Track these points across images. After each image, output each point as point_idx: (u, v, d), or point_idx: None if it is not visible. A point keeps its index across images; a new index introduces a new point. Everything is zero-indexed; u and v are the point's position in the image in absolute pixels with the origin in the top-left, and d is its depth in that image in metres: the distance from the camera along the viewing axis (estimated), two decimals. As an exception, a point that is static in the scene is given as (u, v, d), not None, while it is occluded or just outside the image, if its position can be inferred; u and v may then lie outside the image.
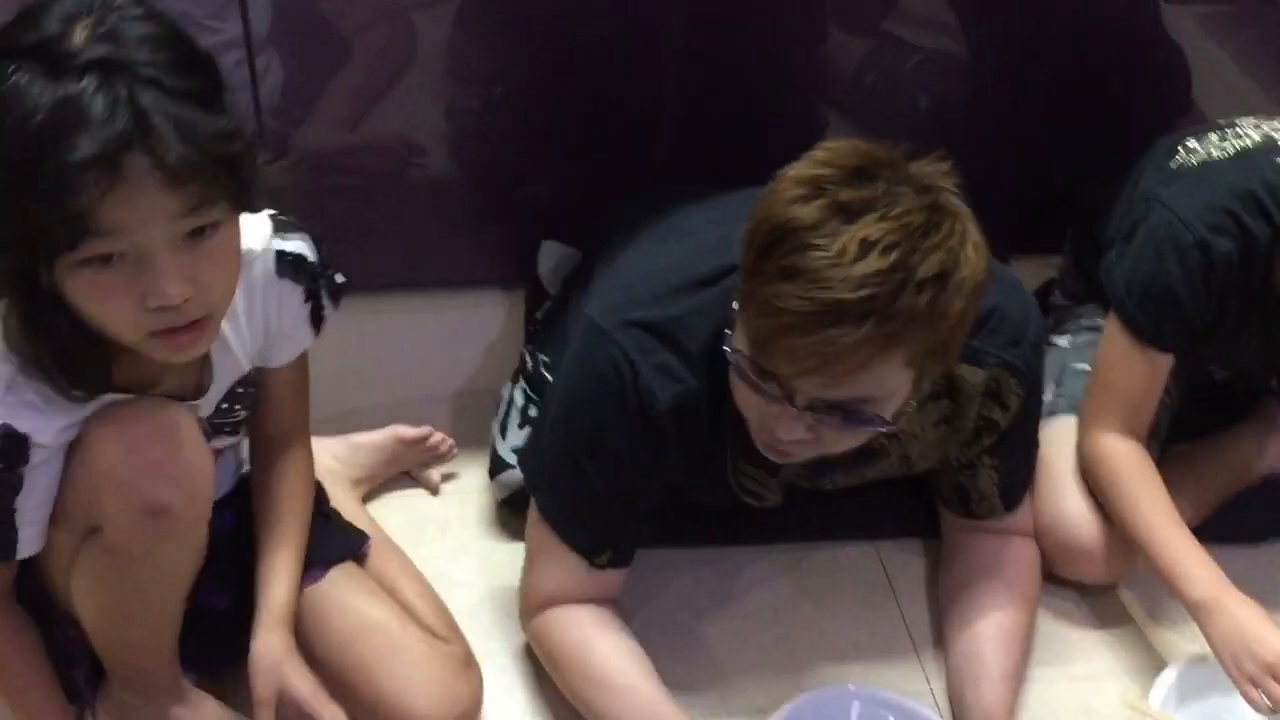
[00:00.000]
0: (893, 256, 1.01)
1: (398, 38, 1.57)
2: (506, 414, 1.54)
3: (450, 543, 1.54)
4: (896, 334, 1.03)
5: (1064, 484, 1.49)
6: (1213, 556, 1.36)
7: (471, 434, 1.61)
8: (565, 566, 1.30)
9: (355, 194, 1.67)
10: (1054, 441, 1.50)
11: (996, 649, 1.35)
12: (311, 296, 1.20)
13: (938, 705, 1.39)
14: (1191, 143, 1.44)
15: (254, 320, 1.17)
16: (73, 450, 1.08)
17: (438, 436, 1.59)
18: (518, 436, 1.51)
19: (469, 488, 1.60)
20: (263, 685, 1.17)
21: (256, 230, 1.14)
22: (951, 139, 1.77)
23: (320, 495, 1.36)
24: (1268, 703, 1.24)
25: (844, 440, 1.16)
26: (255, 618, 1.21)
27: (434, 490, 1.60)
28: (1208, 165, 1.40)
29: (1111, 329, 1.43)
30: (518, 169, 1.69)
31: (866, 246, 1.01)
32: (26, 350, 1.00)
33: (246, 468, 1.34)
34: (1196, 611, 1.31)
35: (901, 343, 1.04)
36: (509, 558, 1.50)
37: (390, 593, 1.36)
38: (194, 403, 1.14)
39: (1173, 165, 1.44)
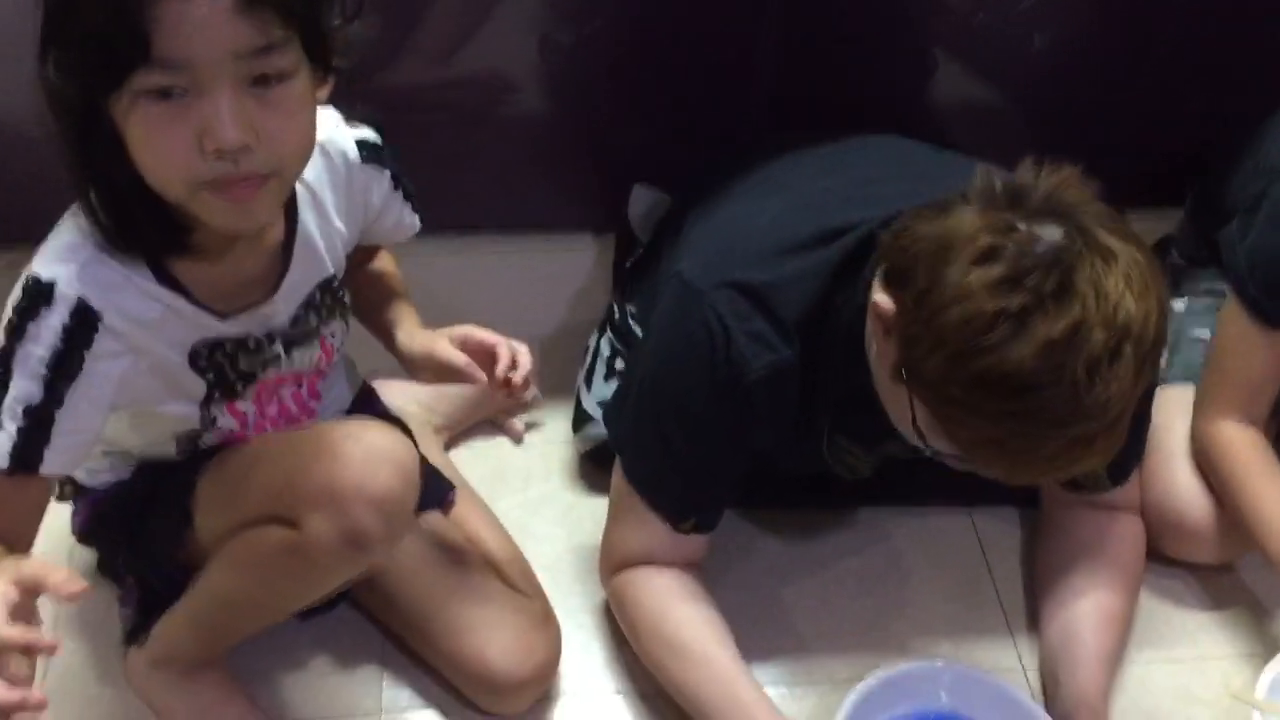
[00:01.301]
0: (1123, 366, 0.97)
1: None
2: (592, 365, 1.50)
3: (532, 494, 1.51)
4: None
5: (1175, 458, 1.42)
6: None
7: (556, 382, 1.58)
8: (649, 530, 1.27)
9: (444, 131, 1.63)
10: (1166, 412, 1.42)
11: (1094, 630, 1.29)
12: (398, 179, 1.18)
13: (1029, 684, 1.34)
14: None
15: (343, 212, 1.14)
16: (287, 441, 1.10)
17: (505, 349, 1.55)
18: (603, 389, 1.47)
19: (552, 438, 1.57)
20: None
21: (326, 120, 1.08)
22: (1066, 82, 1.70)
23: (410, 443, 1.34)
24: None
25: None
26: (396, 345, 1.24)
27: (517, 439, 1.57)
28: None
29: (1231, 309, 1.35)
30: (610, 109, 1.64)
31: (1093, 368, 0.96)
32: (82, 200, 0.96)
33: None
34: None
35: None
36: (591, 512, 1.47)
37: (473, 544, 1.34)
38: (267, 309, 1.09)
39: None
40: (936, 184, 1.20)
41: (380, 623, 1.34)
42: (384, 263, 1.32)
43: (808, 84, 1.61)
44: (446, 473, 1.40)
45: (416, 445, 1.20)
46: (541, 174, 1.68)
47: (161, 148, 0.89)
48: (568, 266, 1.74)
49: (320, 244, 1.12)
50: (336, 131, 1.11)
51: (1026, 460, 1.02)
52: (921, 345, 1.01)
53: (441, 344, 1.18)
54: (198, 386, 1.10)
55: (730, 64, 1.59)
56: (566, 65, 1.60)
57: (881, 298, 1.06)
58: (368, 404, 1.35)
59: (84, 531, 1.26)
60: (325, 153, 1.09)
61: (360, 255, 1.25)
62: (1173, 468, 1.41)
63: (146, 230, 0.97)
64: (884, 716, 1.26)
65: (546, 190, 1.71)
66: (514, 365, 1.18)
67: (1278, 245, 1.29)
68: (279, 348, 1.13)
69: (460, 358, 1.17)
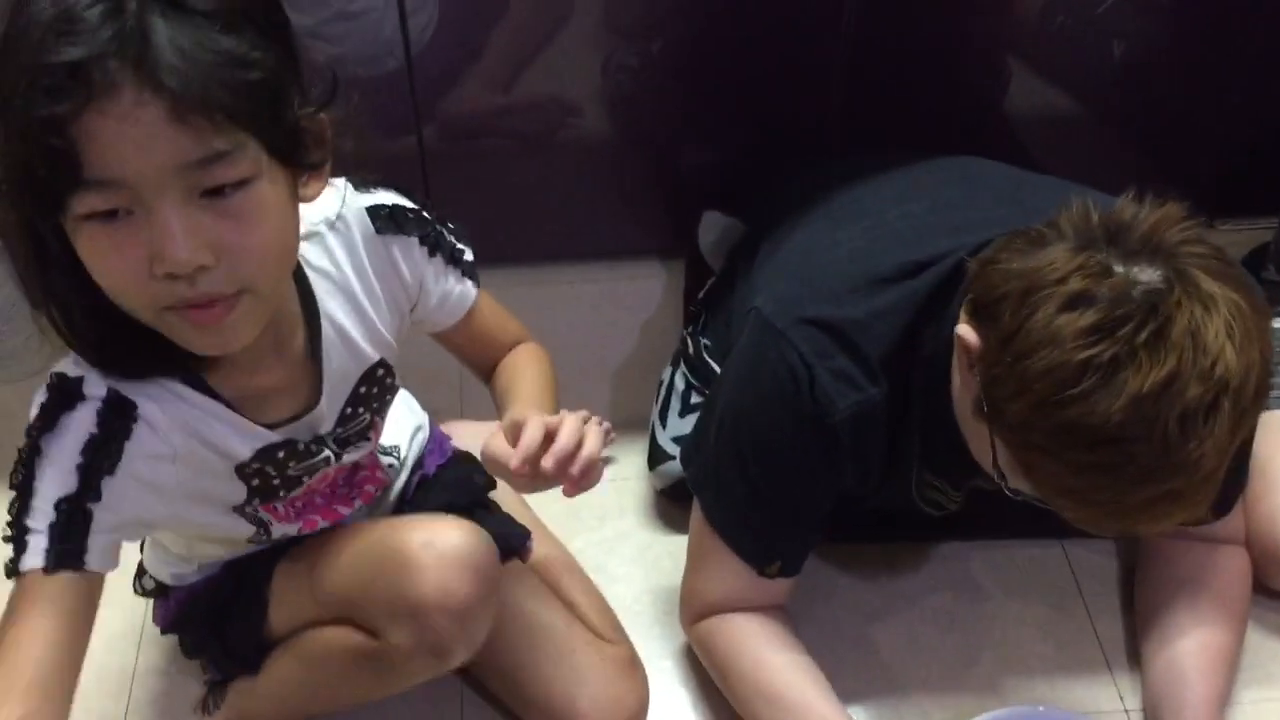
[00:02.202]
0: (1219, 421, 0.92)
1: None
2: (667, 400, 1.47)
3: (608, 533, 1.48)
4: None
5: (1278, 487, 1.35)
6: None
7: (630, 416, 1.54)
8: (732, 573, 1.23)
9: (507, 158, 1.61)
10: (1270, 439, 1.36)
11: (1200, 670, 1.24)
12: (431, 243, 1.08)
13: (1132, 727, 1.30)
14: None
15: (374, 294, 1.05)
16: (363, 542, 1.09)
17: (596, 419, 1.52)
18: (678, 425, 1.44)
19: (627, 474, 1.54)
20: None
21: (332, 196, 0.99)
22: (1150, 90, 1.64)
23: (482, 488, 1.31)
24: None
25: None
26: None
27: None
28: None
29: None
30: (677, 132, 1.61)
31: (1186, 423, 0.91)
32: (50, 323, 0.88)
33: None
34: None
35: None
36: (669, 551, 1.45)
37: (554, 590, 1.32)
38: (309, 418, 1.04)
39: None
40: (1023, 208, 1.16)
41: (462, 668, 1.31)
42: (522, 358, 1.23)
43: (881, 102, 1.56)
44: (521, 513, 1.38)
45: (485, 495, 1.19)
46: (607, 200, 1.65)
47: (112, 272, 0.81)
48: (637, 295, 1.70)
49: (355, 334, 1.04)
50: (346, 204, 1.02)
51: (1110, 512, 0.97)
52: (1005, 388, 0.97)
53: (495, 441, 1.04)
54: (237, 492, 1.04)
55: (802, 83, 1.54)
56: (631, 88, 1.56)
57: (966, 330, 1.02)
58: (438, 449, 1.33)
59: (167, 628, 1.25)
60: (337, 230, 1.01)
61: (472, 350, 1.21)
62: (1276, 497, 1.35)
63: (134, 349, 0.89)
64: (986, 761, 1.22)
65: (613, 216, 1.67)
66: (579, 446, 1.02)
67: None
68: (329, 450, 1.07)
69: (504, 452, 1.02)
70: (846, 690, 1.23)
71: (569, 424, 1.01)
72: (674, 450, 1.43)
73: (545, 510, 1.45)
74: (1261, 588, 1.35)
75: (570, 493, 1.02)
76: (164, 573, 1.20)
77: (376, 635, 1.08)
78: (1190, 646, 1.25)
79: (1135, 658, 1.34)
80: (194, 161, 0.77)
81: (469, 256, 1.14)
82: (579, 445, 1.00)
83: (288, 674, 1.15)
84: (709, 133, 1.60)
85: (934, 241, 1.14)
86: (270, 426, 1.01)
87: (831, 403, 1.11)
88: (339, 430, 1.08)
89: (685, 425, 1.42)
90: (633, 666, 1.29)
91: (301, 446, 1.04)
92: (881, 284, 1.13)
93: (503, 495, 1.39)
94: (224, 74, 0.76)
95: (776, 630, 1.24)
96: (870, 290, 1.13)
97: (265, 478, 1.04)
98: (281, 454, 1.03)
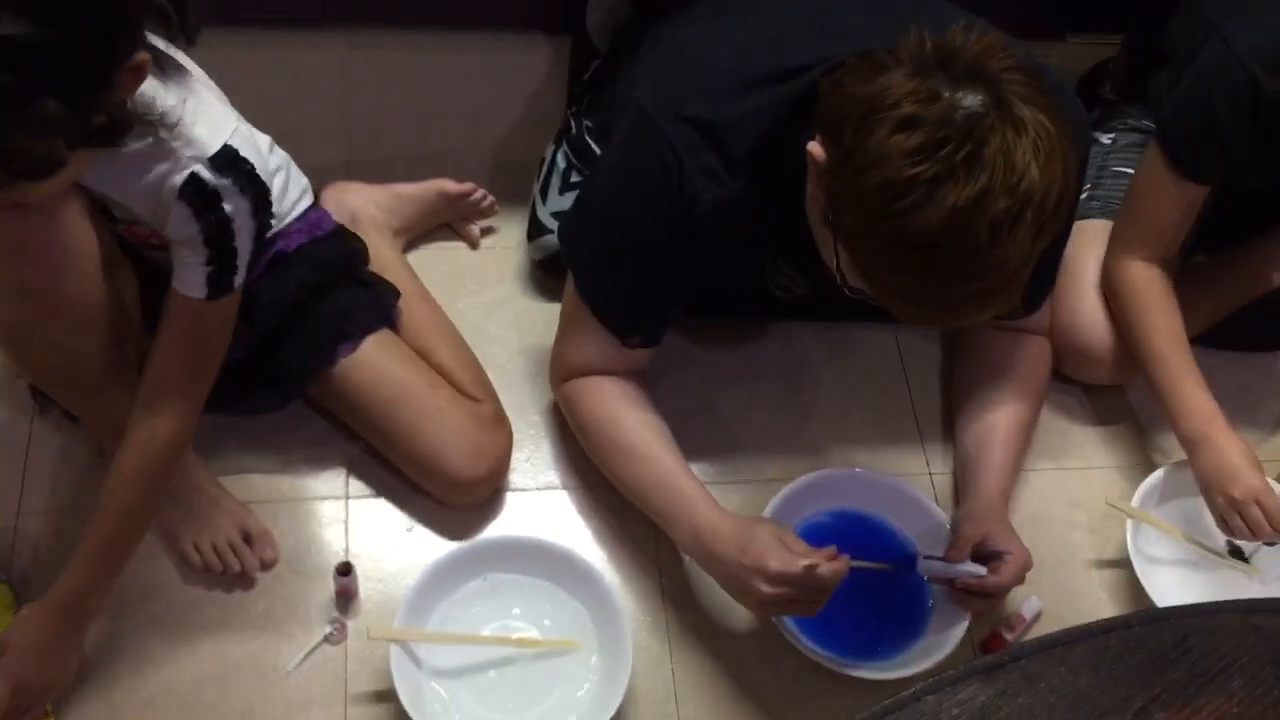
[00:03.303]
0: (1023, 229, 1.03)
1: None
2: (548, 177, 1.55)
3: (487, 298, 1.59)
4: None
5: (1084, 288, 1.53)
6: (1220, 362, 1.43)
7: (511, 189, 1.63)
8: (597, 342, 1.35)
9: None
10: (1082, 244, 1.53)
11: (1002, 440, 1.43)
12: (211, 250, 1.12)
13: (934, 488, 1.50)
14: None
15: (136, 197, 1.10)
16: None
17: (480, 193, 1.61)
18: (558, 201, 1.53)
19: (507, 243, 1.64)
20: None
21: (210, 132, 1.07)
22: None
23: (355, 260, 1.40)
24: (1240, 529, 1.34)
25: None
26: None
27: (474, 245, 1.64)
28: None
29: (1152, 155, 1.43)
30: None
31: (994, 231, 1.02)
32: None
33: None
34: (1186, 445, 1.39)
35: None
36: (543, 316, 1.56)
37: (426, 352, 1.43)
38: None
39: None
40: (895, 16, 1.24)
41: (343, 424, 1.44)
42: (128, 467, 1.20)
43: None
44: (402, 275, 1.48)
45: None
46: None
47: None
48: (522, 68, 1.76)
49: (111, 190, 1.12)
50: (195, 150, 1.06)
51: (932, 307, 1.10)
52: (845, 201, 1.08)
53: None
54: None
55: None
56: None
57: (815, 147, 1.12)
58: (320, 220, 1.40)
59: None
60: (172, 141, 1.05)
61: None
62: (1081, 296, 1.53)
63: None
64: (807, 512, 1.42)
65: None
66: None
67: (1200, 102, 1.36)
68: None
69: None
70: (691, 447, 1.37)
71: None
72: (553, 225, 1.53)
73: (430, 274, 1.55)
74: (1056, 373, 1.54)
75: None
76: None
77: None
78: (997, 421, 1.44)
79: (945, 431, 1.54)
80: None
81: (232, 280, 1.15)
82: None
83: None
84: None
85: (807, 47, 1.22)
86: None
87: (697, 194, 1.21)
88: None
89: (564, 202, 1.52)
90: (496, 422, 1.42)
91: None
92: (754, 87, 1.21)
93: (385, 254, 1.49)
94: None
95: (633, 393, 1.37)
96: (742, 92, 1.21)
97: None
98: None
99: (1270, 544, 1.36)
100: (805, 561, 1.18)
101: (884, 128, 1.03)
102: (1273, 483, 1.36)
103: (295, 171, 1.36)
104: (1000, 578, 1.30)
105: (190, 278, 1.13)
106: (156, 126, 1.01)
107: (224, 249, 1.12)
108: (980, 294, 1.07)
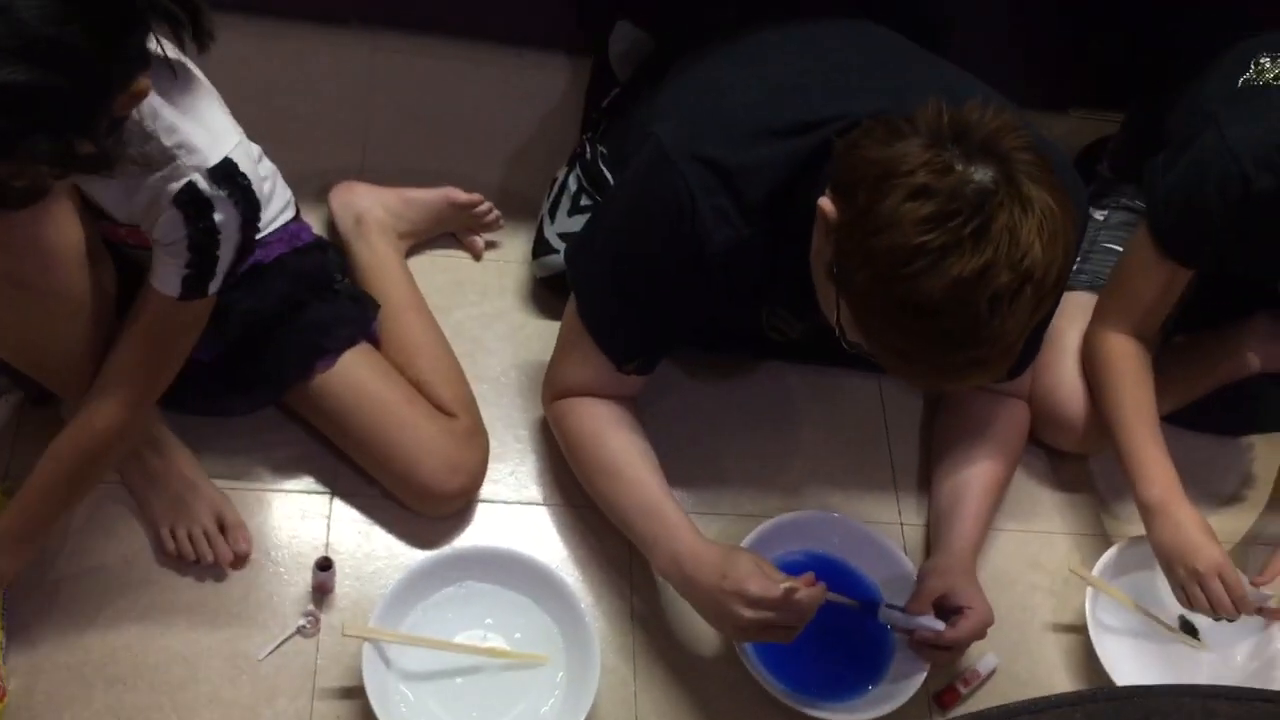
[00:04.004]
0: (1022, 304, 1.07)
1: None
2: (558, 197, 1.58)
3: (486, 309, 1.61)
4: None
5: (1065, 357, 1.58)
6: (1186, 442, 1.48)
7: (520, 205, 1.66)
8: (593, 365, 1.38)
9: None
10: (1067, 315, 1.57)
11: (976, 496, 1.47)
12: (194, 255, 1.14)
13: (904, 538, 1.53)
14: (1265, 60, 1.43)
15: (129, 196, 1.12)
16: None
17: (486, 205, 1.64)
18: (566, 223, 1.56)
19: (510, 258, 1.66)
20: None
21: (212, 142, 1.10)
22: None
23: (332, 272, 1.42)
24: (1200, 602, 1.38)
25: None
26: None
27: (477, 256, 1.66)
28: (1273, 90, 1.40)
29: (1142, 234, 1.47)
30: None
31: (994, 304, 1.06)
32: None
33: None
34: (1145, 512, 1.43)
35: None
36: (540, 333, 1.59)
37: (407, 363, 1.45)
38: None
39: (1240, 81, 1.43)
40: (908, 82, 1.29)
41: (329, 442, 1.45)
42: (67, 441, 1.24)
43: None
44: (401, 279, 1.52)
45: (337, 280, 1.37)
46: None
47: None
48: (540, 86, 1.79)
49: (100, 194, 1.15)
50: (195, 160, 1.09)
51: (927, 370, 1.14)
52: (853, 259, 1.11)
53: None
54: None
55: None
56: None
57: (826, 202, 1.15)
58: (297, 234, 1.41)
59: None
60: (174, 150, 1.07)
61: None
62: (1062, 366, 1.58)
63: None
64: (780, 550, 1.45)
65: (527, 1, 1.73)
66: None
67: (1192, 189, 1.40)
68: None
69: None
70: (673, 476, 1.39)
71: None
72: (559, 245, 1.55)
73: (432, 281, 1.57)
74: (1034, 439, 1.59)
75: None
76: None
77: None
78: (971, 478, 1.48)
79: (919, 483, 1.58)
80: None
81: (207, 285, 1.17)
82: None
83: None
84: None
85: (826, 102, 1.25)
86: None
87: (709, 234, 1.24)
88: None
89: (572, 224, 1.54)
90: (471, 438, 1.44)
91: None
92: (771, 136, 1.24)
93: (387, 257, 1.52)
94: None
95: (623, 416, 1.40)
96: (760, 140, 1.24)
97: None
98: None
99: (1230, 620, 1.40)
100: (785, 584, 1.22)
101: (897, 194, 1.06)
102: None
103: (281, 184, 1.38)
104: (958, 633, 1.34)
105: (167, 276, 1.16)
106: (147, 153, 1.04)
107: (206, 256, 1.14)
108: (975, 361, 1.11)
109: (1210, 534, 1.39)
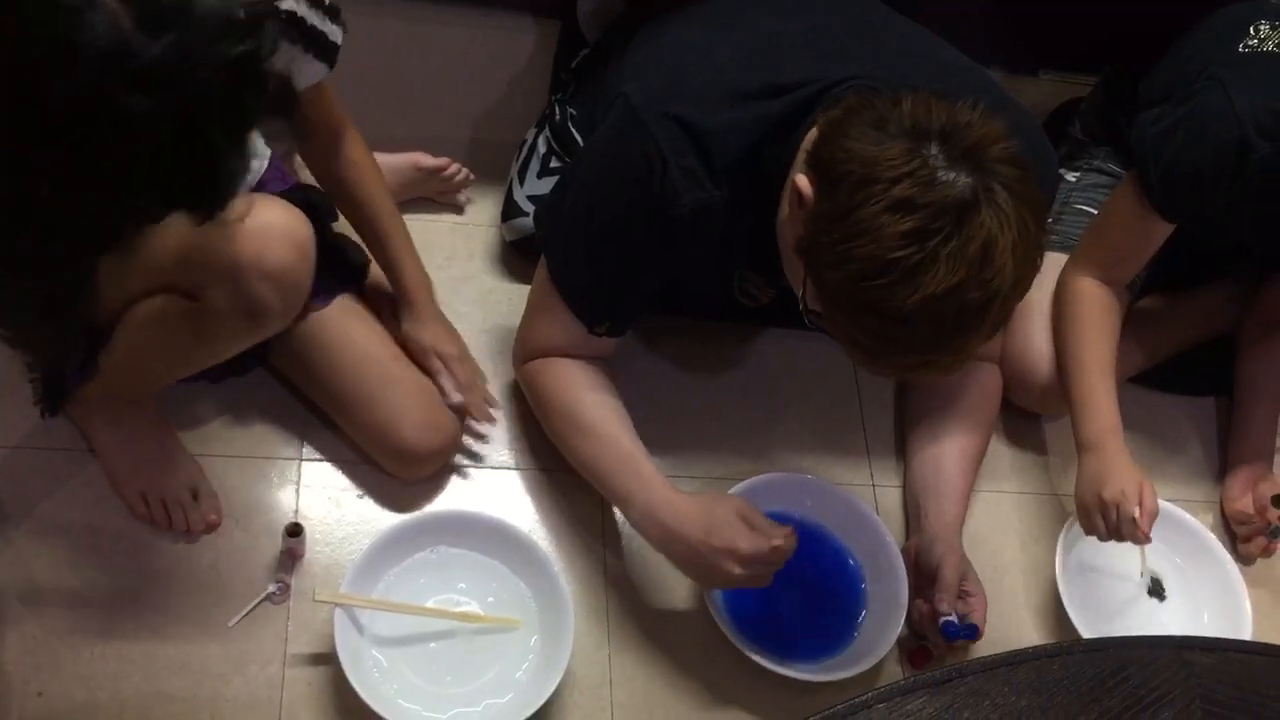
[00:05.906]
0: (987, 319, 1.09)
1: None
2: (527, 160, 1.56)
3: (455, 273, 1.60)
4: None
5: (1036, 320, 1.58)
6: (1150, 401, 1.48)
7: (488, 168, 1.64)
8: (564, 326, 1.37)
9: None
10: (1038, 277, 1.57)
11: (956, 468, 1.48)
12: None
13: (875, 500, 1.54)
14: (1265, 26, 1.43)
15: None
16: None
17: (455, 167, 1.62)
18: (536, 185, 1.54)
19: (479, 221, 1.64)
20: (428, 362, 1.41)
21: None
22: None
23: (326, 221, 1.39)
24: (1096, 528, 1.40)
25: None
26: (401, 306, 1.42)
27: (461, 209, 1.65)
28: (1275, 57, 1.39)
29: (1127, 185, 1.46)
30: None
31: (961, 318, 1.07)
32: None
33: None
34: (1080, 448, 1.44)
35: None
36: (509, 296, 1.58)
37: (388, 325, 1.43)
38: None
39: (1243, 47, 1.42)
40: (886, 49, 1.28)
41: (301, 391, 1.44)
42: (367, 168, 1.39)
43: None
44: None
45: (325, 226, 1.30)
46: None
47: None
48: (507, 47, 1.76)
49: None
50: None
51: (884, 364, 1.16)
52: (826, 256, 1.10)
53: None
54: None
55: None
56: None
57: (803, 180, 1.13)
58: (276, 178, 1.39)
59: None
60: None
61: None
62: (1031, 328, 1.58)
63: None
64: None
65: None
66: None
67: (1188, 146, 1.38)
68: None
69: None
70: (647, 439, 1.39)
71: None
72: (528, 207, 1.54)
73: (399, 244, 1.55)
74: (1007, 400, 1.59)
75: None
76: None
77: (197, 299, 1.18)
78: (949, 446, 1.49)
79: (891, 446, 1.58)
80: None
81: (334, 39, 1.19)
82: None
83: (119, 347, 1.24)
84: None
85: (798, 66, 1.24)
86: None
87: (677, 195, 1.23)
88: None
89: (542, 186, 1.53)
90: None
91: None
92: (742, 99, 1.23)
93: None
94: None
95: (595, 376, 1.39)
96: (731, 102, 1.23)
97: None
98: None
99: (1137, 543, 1.40)
100: (775, 542, 1.25)
101: (879, 203, 1.06)
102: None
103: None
104: (978, 621, 1.38)
105: (306, 70, 1.17)
106: None
107: (307, 30, 1.14)
108: (936, 365, 1.13)
109: (1132, 470, 1.39)
